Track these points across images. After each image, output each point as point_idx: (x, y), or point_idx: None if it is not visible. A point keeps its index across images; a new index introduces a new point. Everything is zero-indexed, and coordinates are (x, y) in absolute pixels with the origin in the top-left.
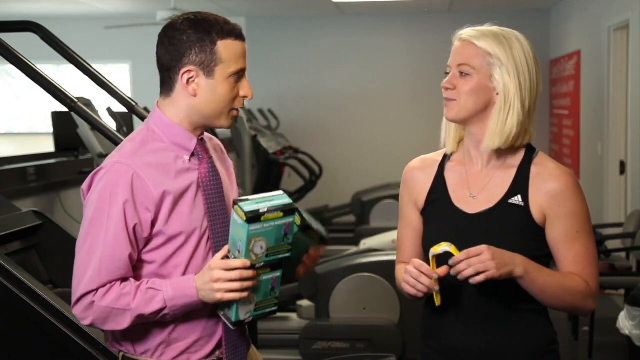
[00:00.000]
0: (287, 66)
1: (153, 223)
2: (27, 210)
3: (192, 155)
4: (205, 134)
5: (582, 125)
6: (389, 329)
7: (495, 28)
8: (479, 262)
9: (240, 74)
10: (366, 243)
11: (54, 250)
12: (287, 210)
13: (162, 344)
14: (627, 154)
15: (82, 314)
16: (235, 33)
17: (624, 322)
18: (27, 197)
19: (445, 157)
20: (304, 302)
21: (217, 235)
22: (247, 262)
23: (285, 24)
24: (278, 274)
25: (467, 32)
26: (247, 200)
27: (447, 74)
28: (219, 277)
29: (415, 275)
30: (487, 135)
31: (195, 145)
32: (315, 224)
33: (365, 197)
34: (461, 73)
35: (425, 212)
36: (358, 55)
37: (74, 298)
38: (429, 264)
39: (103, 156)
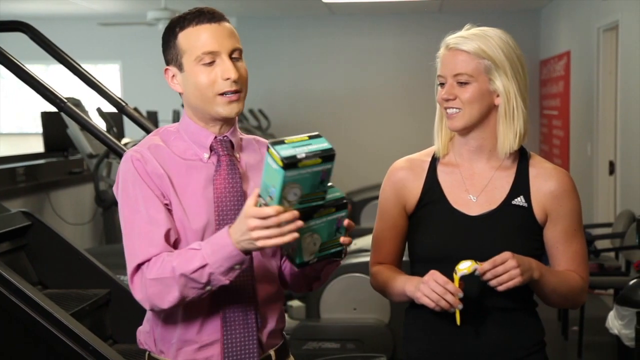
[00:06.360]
0: (278, 66)
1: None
2: (16, 210)
3: (212, 152)
4: (248, 136)
5: (572, 125)
6: (379, 329)
7: (477, 30)
8: (504, 270)
9: (210, 58)
10: (357, 243)
11: (43, 251)
12: (326, 157)
13: (177, 343)
14: (616, 154)
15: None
16: (197, 19)
17: (613, 322)
18: (16, 198)
19: (435, 159)
20: (295, 303)
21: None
22: (281, 209)
23: (276, 24)
24: (343, 213)
25: (453, 40)
26: (283, 143)
27: (441, 84)
28: (255, 225)
29: (441, 292)
30: (500, 140)
31: (212, 142)
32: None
33: (356, 198)
34: (459, 83)
35: (416, 214)
36: (349, 55)
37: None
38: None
39: (93, 156)
